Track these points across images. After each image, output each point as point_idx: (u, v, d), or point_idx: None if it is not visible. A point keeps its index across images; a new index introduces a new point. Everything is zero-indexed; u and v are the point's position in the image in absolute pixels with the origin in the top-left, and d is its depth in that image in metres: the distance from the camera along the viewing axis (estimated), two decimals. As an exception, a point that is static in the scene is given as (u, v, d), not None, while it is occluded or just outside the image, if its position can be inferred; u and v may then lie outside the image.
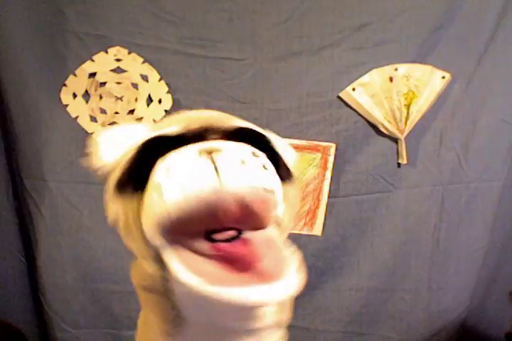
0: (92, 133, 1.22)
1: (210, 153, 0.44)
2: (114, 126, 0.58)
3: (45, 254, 1.25)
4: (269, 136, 0.54)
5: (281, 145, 0.56)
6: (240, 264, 0.45)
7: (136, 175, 0.49)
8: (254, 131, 0.53)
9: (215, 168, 0.42)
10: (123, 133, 0.55)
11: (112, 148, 0.54)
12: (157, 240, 0.46)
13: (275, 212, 0.48)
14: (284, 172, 0.52)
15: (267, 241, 0.48)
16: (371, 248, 1.28)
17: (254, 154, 0.46)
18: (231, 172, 0.43)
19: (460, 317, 1.32)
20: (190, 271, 0.43)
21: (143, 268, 0.51)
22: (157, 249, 0.47)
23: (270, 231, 0.49)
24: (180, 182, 0.43)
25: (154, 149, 0.49)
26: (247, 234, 0.47)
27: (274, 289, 0.42)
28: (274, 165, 0.48)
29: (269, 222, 0.49)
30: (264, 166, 0.45)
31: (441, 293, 1.31)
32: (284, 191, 0.50)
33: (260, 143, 0.51)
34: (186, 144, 0.47)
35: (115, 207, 0.53)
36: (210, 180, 0.42)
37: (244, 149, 0.46)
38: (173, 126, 0.50)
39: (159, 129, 0.51)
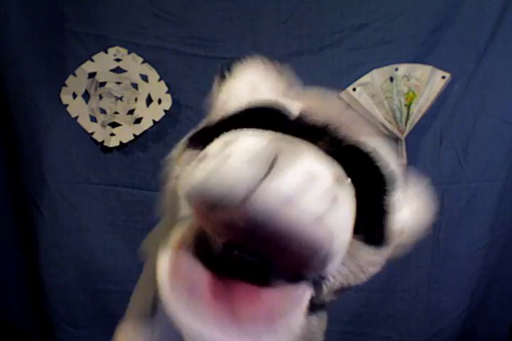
0: (92, 133, 1.22)
1: (279, 150, 0.33)
2: (258, 62, 0.51)
3: (45, 254, 1.25)
4: (393, 181, 0.41)
5: (411, 201, 0.46)
6: (232, 296, 0.35)
7: (213, 135, 0.40)
8: (372, 163, 0.40)
9: (271, 165, 0.32)
10: (263, 78, 0.49)
11: (243, 90, 0.48)
12: (184, 209, 0.38)
13: (321, 263, 0.35)
14: (377, 234, 0.40)
15: (290, 300, 0.36)
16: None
17: (338, 180, 0.34)
18: (285, 180, 0.32)
19: (460, 317, 1.31)
20: (169, 266, 0.35)
21: (158, 231, 0.46)
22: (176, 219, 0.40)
23: (302, 290, 0.37)
24: (217, 166, 0.33)
25: (254, 112, 0.41)
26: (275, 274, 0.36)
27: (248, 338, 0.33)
28: (368, 220, 0.38)
29: (306, 270, 0.36)
30: (335, 198, 0.34)
31: (441, 293, 1.31)
32: (363, 254, 0.40)
33: (374, 178, 0.39)
34: (286, 127, 0.38)
35: (178, 153, 0.45)
36: (253, 175, 0.32)
37: (330, 169, 0.34)
38: (296, 106, 0.41)
39: (283, 98, 0.43)
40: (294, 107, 0.41)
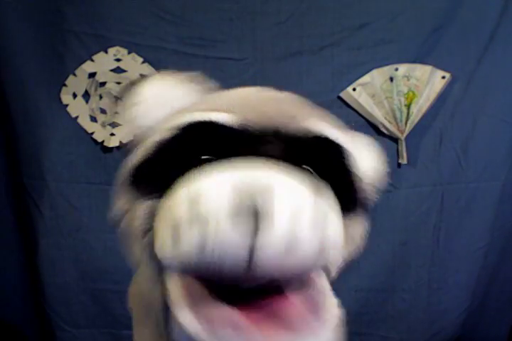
0: (92, 133, 1.22)
1: (253, 196, 0.31)
2: (164, 74, 0.46)
3: (45, 254, 1.25)
4: (347, 147, 0.41)
5: (366, 155, 0.46)
6: (264, 311, 0.34)
7: (161, 170, 0.38)
8: (327, 141, 0.40)
9: (256, 216, 0.31)
10: (173, 89, 0.45)
11: (154, 108, 0.44)
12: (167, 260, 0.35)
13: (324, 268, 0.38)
14: (354, 202, 0.41)
15: (306, 286, 0.37)
16: (371, 248, 1.28)
17: (316, 192, 0.33)
18: (278, 227, 0.31)
19: (460, 317, 1.32)
20: (193, 310, 0.33)
21: (141, 282, 0.43)
22: (163, 268, 0.36)
23: (318, 278, 0.39)
24: (202, 237, 0.31)
25: (194, 137, 0.38)
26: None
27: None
28: (343, 192, 0.38)
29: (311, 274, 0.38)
30: (325, 215, 0.33)
31: (441, 292, 1.31)
32: (348, 228, 0.40)
33: (332, 156, 0.39)
34: (237, 143, 0.37)
35: (124, 200, 0.42)
36: (245, 234, 0.31)
37: (304, 185, 0.33)
38: (229, 114, 0.38)
39: (212, 106, 0.40)
40: (229, 119, 0.38)
